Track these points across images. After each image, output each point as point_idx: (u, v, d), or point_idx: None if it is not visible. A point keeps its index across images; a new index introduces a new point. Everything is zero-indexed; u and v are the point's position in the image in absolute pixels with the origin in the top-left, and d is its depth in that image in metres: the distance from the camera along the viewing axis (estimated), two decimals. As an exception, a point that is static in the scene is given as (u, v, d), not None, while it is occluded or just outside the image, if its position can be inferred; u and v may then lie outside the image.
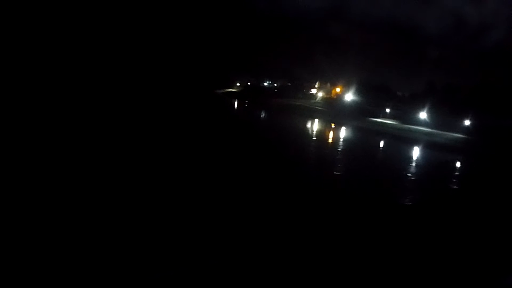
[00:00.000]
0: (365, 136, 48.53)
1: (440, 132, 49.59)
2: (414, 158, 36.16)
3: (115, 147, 21.89)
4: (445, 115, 52.69)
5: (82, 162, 17.81)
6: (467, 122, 49.89)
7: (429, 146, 41.90)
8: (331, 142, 41.15)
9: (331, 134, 49.22)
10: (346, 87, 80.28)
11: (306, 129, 53.41)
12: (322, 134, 48.59)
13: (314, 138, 44.07)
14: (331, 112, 68.75)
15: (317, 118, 63.60)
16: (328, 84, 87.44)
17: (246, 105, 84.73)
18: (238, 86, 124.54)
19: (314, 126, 56.63)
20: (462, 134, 48.38)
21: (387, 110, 61.75)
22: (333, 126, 55.63)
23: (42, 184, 14.05)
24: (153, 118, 39.46)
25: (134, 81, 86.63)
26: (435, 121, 53.50)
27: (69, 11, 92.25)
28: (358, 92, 74.40)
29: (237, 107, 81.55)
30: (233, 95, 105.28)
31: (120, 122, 32.98)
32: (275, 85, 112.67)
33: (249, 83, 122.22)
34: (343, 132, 49.69)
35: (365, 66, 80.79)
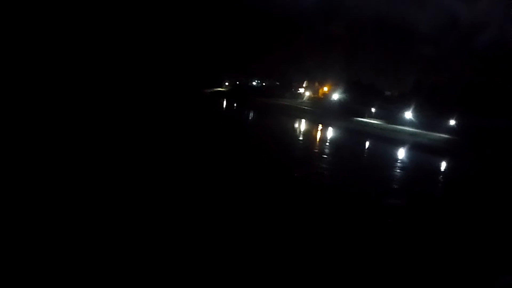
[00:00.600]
0: (346, 135, 46.54)
1: (424, 132, 47.68)
2: (391, 159, 34.13)
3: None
4: (433, 114, 50.81)
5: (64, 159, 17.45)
6: (453, 122, 47.98)
7: (410, 146, 39.87)
8: (308, 142, 39.11)
9: (310, 133, 47.20)
10: (333, 86, 78.47)
11: (286, 128, 51.33)
12: (301, 134, 46.52)
13: (293, 138, 41.97)
14: (315, 111, 66.86)
15: (301, 117, 61.58)
16: (316, 83, 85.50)
17: (232, 104, 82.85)
18: (227, 85, 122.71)
19: (295, 125, 54.59)
20: (447, 135, 46.45)
21: (373, 109, 59.76)
22: (314, 125, 53.67)
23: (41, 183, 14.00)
24: (131, 117, 38.40)
25: (119, 80, 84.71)
26: (421, 121, 51.62)
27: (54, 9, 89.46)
28: (346, 91, 72.57)
29: (221, 106, 79.40)
30: (221, 95, 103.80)
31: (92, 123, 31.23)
32: (264, 84, 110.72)
33: (238, 82, 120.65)
34: (323, 132, 47.68)
35: (354, 65, 78.87)
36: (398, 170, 27.75)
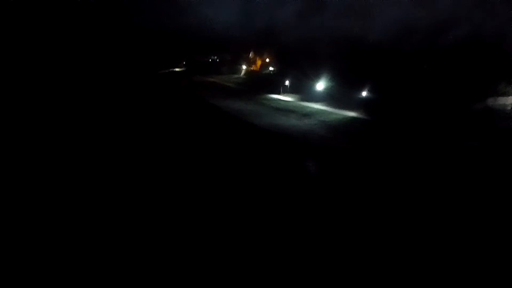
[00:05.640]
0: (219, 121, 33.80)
1: (333, 110, 34.60)
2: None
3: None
4: (352, 86, 37.48)
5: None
6: (368, 95, 34.58)
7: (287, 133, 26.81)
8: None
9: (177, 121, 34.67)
10: (270, 57, 65.19)
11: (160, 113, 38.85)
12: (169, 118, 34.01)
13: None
14: (234, 88, 54.56)
15: (209, 95, 48.31)
16: (254, 55, 72.07)
17: (162, 82, 72.08)
18: (184, 64, 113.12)
19: (179, 108, 42.01)
20: (360, 113, 33.13)
21: (287, 82, 46.23)
22: (204, 107, 41.17)
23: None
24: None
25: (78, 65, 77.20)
26: (338, 95, 38.40)
27: None
28: (279, 61, 59.09)
29: (152, 84, 67.39)
30: (168, 75, 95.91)
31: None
32: (217, 60, 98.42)
33: (197, 61, 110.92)
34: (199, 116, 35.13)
35: (293, 29, 63.85)
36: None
